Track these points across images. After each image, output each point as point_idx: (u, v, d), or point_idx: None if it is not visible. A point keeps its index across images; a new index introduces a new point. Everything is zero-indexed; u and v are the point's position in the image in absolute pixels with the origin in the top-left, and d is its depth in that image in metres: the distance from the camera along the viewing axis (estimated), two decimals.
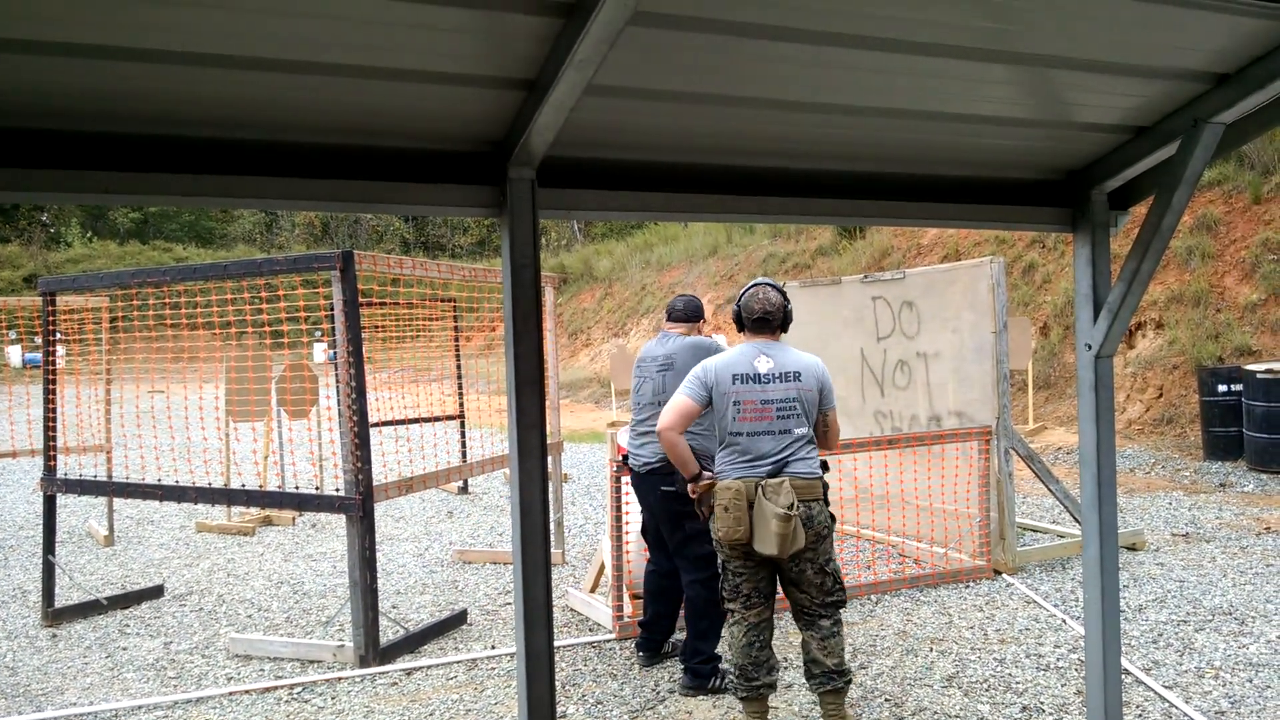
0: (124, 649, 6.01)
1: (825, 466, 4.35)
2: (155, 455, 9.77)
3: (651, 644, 5.36)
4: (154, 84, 1.92)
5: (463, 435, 11.01)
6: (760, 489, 4.07)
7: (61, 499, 7.87)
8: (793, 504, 4.03)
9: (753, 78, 2.23)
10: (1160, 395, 12.62)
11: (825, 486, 4.29)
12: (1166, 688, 4.77)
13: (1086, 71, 2.46)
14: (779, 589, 4.36)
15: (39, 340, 13.48)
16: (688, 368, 5.03)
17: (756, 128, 2.42)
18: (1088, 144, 2.84)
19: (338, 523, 9.37)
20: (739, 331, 4.48)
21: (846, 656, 4.31)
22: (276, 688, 5.21)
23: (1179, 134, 2.61)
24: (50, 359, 6.64)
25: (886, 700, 4.75)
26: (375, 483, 5.57)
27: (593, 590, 6.49)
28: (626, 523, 5.88)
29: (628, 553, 5.92)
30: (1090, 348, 2.89)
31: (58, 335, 6.70)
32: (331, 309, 5.53)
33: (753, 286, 4.41)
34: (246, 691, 5.18)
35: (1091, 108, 2.68)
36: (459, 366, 10.94)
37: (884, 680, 5.01)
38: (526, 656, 2.27)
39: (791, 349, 4.40)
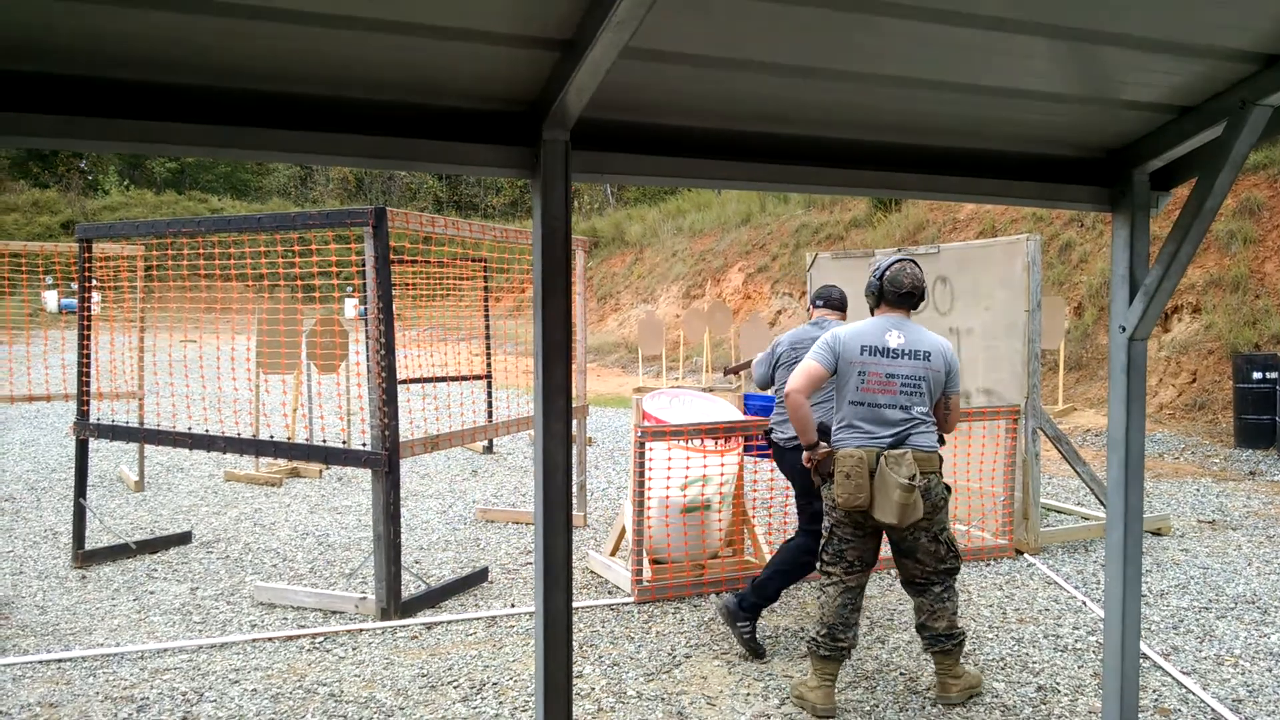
0: (151, 593, 6.12)
1: (942, 440, 4.45)
2: (186, 404, 9.87)
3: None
4: (176, 34, 1.91)
5: (489, 395, 11.06)
6: (882, 459, 4.16)
7: (94, 444, 7.99)
8: (914, 475, 4.13)
9: (792, 46, 2.20)
10: (1194, 380, 12.47)
11: (940, 460, 4.38)
12: (1184, 673, 4.75)
13: (1131, 49, 2.41)
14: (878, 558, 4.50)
15: (75, 286, 13.66)
16: None
17: (793, 95, 2.38)
18: (1130, 122, 2.78)
19: (363, 477, 9.46)
20: (875, 304, 4.53)
21: (955, 620, 4.41)
22: (299, 636, 5.30)
23: (1225, 115, 2.55)
24: (85, 306, 6.72)
25: (901, 675, 4.76)
26: (402, 439, 5.62)
27: (613, 553, 6.53)
28: (649, 488, 5.90)
29: (648, 518, 5.95)
30: (1124, 330, 2.85)
31: (93, 282, 6.76)
32: (363, 265, 5.55)
33: (898, 261, 4.45)
34: (270, 639, 5.27)
35: (1135, 85, 2.63)
36: (487, 327, 10.97)
37: (900, 654, 5.02)
38: (544, 617, 2.29)
39: (924, 328, 4.47)
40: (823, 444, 4.44)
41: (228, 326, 13.75)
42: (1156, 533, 7.39)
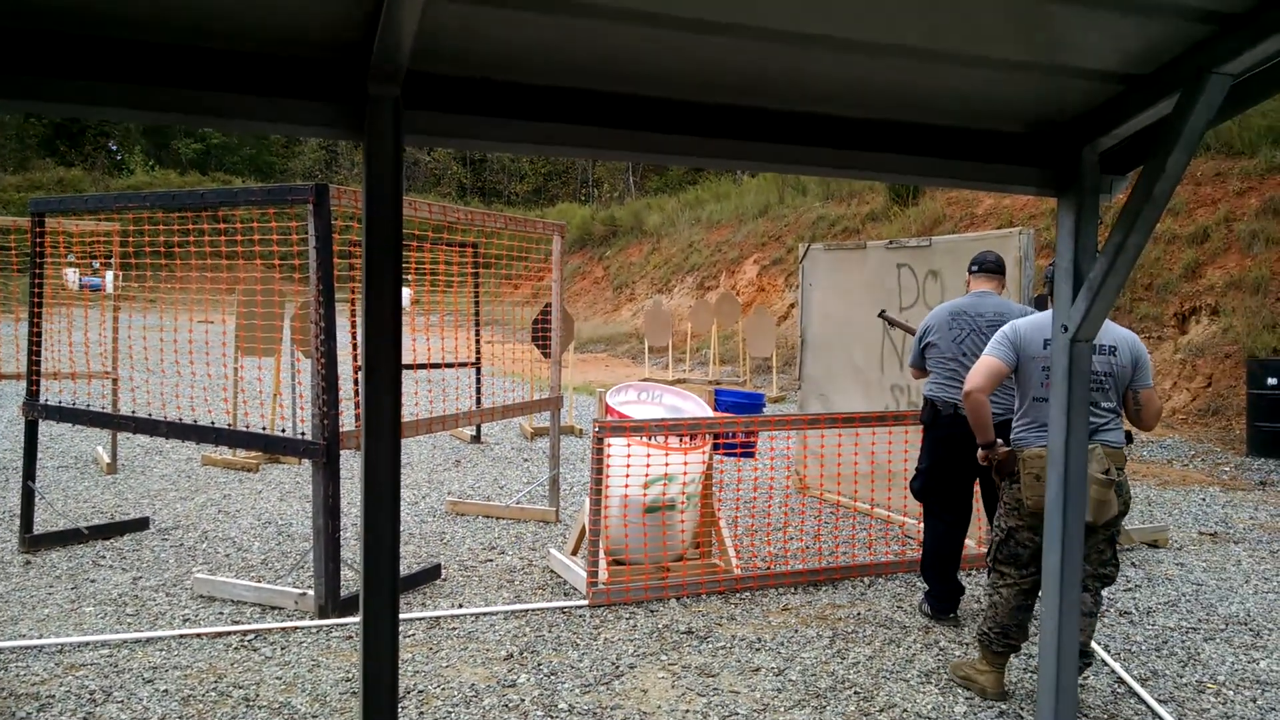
0: (92, 581, 5.89)
1: (1130, 439, 4.26)
2: (174, 386, 9.66)
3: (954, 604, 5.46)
4: None
5: (478, 383, 10.79)
6: None
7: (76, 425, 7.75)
8: (1109, 469, 3.94)
9: None
10: (1209, 385, 12.02)
11: (1124, 458, 4.20)
12: (1160, 701, 4.40)
13: (1077, 5, 2.08)
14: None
15: (97, 265, 13.45)
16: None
17: (660, 50, 2.06)
18: (1076, 93, 2.45)
19: (346, 464, 9.21)
20: (1051, 296, 4.34)
21: (1089, 640, 4.31)
22: (228, 633, 5.05)
23: (1179, 86, 2.21)
24: (37, 282, 6.49)
25: (855, 693, 4.44)
26: (347, 429, 5.35)
27: (574, 553, 6.25)
28: (607, 485, 5.61)
29: (607, 516, 5.66)
30: (1066, 330, 2.52)
31: (44, 257, 6.53)
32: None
33: None
34: (198, 635, 5.02)
35: (1082, 49, 2.30)
36: (477, 314, 10.71)
37: (858, 670, 4.70)
38: (364, 639, 2.01)
39: (1109, 321, 4.25)
40: (1000, 443, 4.32)
41: (219, 307, 13.52)
42: (1153, 544, 7.02)
